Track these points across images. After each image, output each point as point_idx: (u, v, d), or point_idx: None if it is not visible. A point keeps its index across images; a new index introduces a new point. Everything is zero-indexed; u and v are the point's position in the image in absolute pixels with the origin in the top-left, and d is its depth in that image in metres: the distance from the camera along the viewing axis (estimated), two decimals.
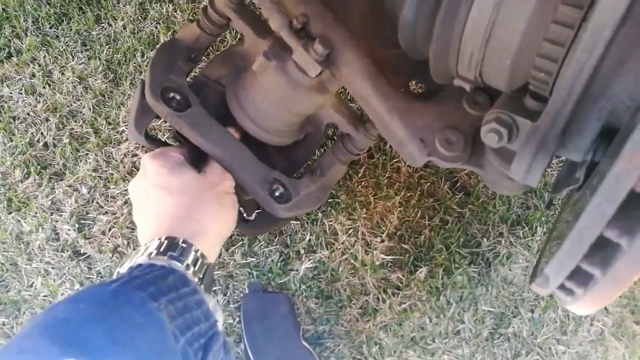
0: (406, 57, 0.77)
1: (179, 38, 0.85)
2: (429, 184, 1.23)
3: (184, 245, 0.65)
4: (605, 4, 0.49)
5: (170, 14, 1.45)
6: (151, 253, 0.64)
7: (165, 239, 0.65)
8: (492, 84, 0.70)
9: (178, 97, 0.80)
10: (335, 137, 1.19)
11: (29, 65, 1.39)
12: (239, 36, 1.30)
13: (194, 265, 0.65)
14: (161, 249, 0.64)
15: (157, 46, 0.85)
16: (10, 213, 1.21)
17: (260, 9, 0.76)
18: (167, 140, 0.94)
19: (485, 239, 1.19)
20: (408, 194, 1.22)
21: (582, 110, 0.60)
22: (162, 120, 0.88)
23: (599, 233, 0.45)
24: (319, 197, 0.86)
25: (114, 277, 0.61)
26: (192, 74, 0.91)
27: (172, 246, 0.65)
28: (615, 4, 0.48)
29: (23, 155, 1.27)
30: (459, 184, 1.25)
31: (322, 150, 1.20)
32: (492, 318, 1.13)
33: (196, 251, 0.66)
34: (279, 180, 0.81)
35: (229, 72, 0.84)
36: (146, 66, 1.38)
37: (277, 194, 0.81)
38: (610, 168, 0.45)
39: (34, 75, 1.37)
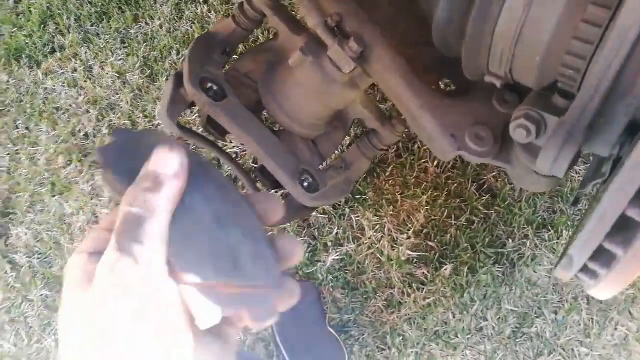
0: (437, 56, 0.79)
1: (215, 32, 0.89)
2: (456, 184, 1.25)
3: None
4: (632, 5, 0.51)
5: (205, 14, 1.50)
6: None
7: None
8: (521, 81, 0.72)
9: (215, 88, 0.83)
10: (359, 133, 1.22)
11: (71, 60, 1.45)
12: (272, 33, 1.34)
13: None
14: None
15: (194, 39, 0.88)
16: (54, 196, 1.27)
17: (295, 6, 0.79)
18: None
19: (510, 240, 1.20)
20: (435, 194, 1.24)
21: (609, 106, 0.62)
22: (195, 113, 0.91)
23: (621, 212, 0.47)
24: (343, 189, 0.88)
25: None
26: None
27: None
28: None
29: (65, 143, 1.33)
30: (486, 186, 1.27)
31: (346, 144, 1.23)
32: (515, 317, 1.14)
33: None
34: (308, 171, 0.84)
35: (262, 67, 0.87)
36: (181, 63, 1.43)
37: (305, 184, 0.84)
38: (632, 150, 0.48)
39: (75, 70, 1.43)
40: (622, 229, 0.50)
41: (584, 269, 0.56)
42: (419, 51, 0.86)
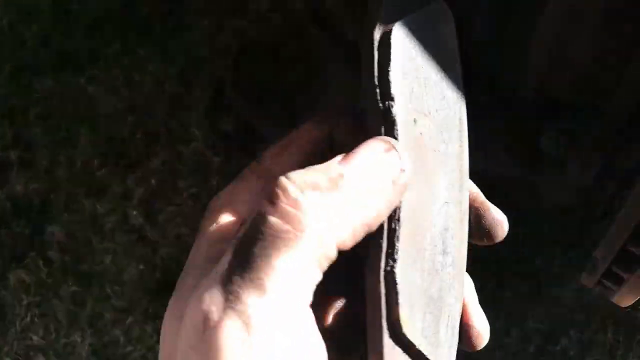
0: (471, 67, 0.81)
1: (257, 40, 0.91)
2: None
3: None
4: None
5: (243, 28, 1.54)
6: None
7: None
8: (555, 95, 0.73)
9: (255, 95, 0.85)
10: None
11: (113, 69, 1.51)
12: None
13: None
14: None
15: (237, 47, 0.90)
16: (88, 197, 1.31)
17: (337, 18, 0.81)
18: None
19: (538, 259, 1.20)
20: None
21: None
22: None
23: None
24: None
25: None
26: None
27: None
28: None
29: (103, 147, 1.38)
30: (513, 203, 1.26)
31: None
32: (540, 335, 1.13)
33: None
34: None
35: (300, 78, 0.89)
36: (219, 75, 1.47)
37: None
38: None
39: (117, 78, 1.49)
40: None
41: (608, 274, 0.56)
42: None
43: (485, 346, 1.16)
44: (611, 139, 0.63)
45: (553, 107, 0.78)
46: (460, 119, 0.34)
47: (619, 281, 0.54)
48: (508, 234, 1.16)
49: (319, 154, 0.32)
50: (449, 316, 0.32)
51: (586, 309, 1.14)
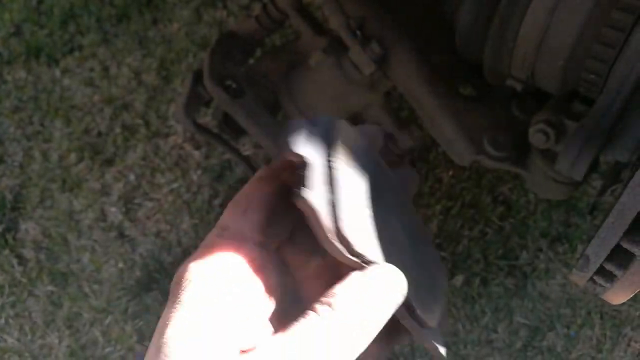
0: (458, 62, 0.79)
1: (236, 30, 0.89)
2: (470, 195, 1.24)
3: None
4: None
5: (223, 19, 1.51)
6: None
7: None
8: (543, 86, 0.71)
9: (234, 86, 0.83)
10: None
11: (89, 59, 1.46)
12: (293, 34, 1.34)
13: None
14: None
15: (217, 37, 0.89)
16: (63, 192, 1.27)
17: (318, 8, 0.80)
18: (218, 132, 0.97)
19: (524, 253, 1.19)
20: (449, 204, 1.23)
21: (630, 110, 0.61)
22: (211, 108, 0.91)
23: (639, 209, 0.46)
24: None
25: None
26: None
27: None
28: None
29: (78, 141, 1.33)
30: (500, 197, 1.25)
31: None
32: (527, 330, 1.12)
33: None
34: None
35: (282, 68, 0.87)
36: (198, 65, 1.44)
37: None
38: None
39: (92, 69, 1.44)
40: None
41: (600, 271, 0.54)
42: (440, 56, 0.86)
43: (472, 342, 1.16)
44: (602, 132, 0.61)
45: (541, 99, 0.76)
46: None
47: (611, 278, 0.52)
48: (495, 228, 1.14)
49: (278, 208, 0.37)
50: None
51: (572, 304, 1.14)
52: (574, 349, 1.10)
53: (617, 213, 0.45)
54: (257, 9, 0.88)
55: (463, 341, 1.11)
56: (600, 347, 1.10)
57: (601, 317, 1.12)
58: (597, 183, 1.22)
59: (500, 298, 1.14)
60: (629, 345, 1.11)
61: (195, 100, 0.84)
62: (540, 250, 1.19)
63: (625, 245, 0.48)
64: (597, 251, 0.49)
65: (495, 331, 1.12)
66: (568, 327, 1.12)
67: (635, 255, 0.48)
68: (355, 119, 0.88)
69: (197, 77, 0.84)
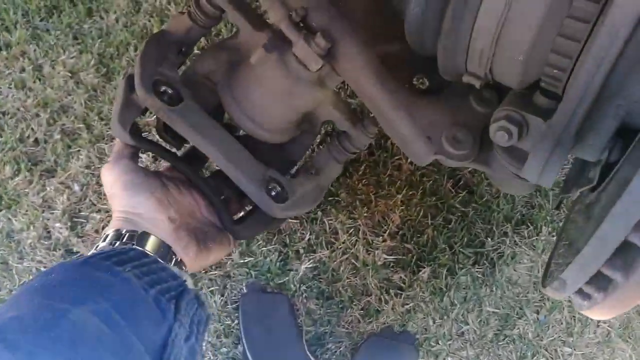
0: (410, 52, 0.74)
1: (169, 30, 0.81)
2: (431, 182, 1.21)
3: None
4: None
5: (164, 6, 1.42)
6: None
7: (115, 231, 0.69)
8: (502, 81, 0.67)
9: (170, 91, 0.76)
10: (330, 135, 1.16)
11: (19, 59, 1.35)
12: (233, 30, 1.27)
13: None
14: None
15: (146, 39, 0.81)
16: (0, 210, 1.18)
17: (256, 1, 0.73)
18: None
19: (489, 239, 1.17)
20: (410, 193, 1.19)
21: (598, 108, 0.58)
22: (150, 116, 0.84)
23: (623, 238, 0.43)
24: (315, 197, 0.83)
25: None
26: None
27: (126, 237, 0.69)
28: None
29: (13, 151, 1.23)
30: (462, 182, 1.22)
31: (315, 148, 1.17)
32: (497, 319, 1.11)
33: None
34: (276, 179, 0.78)
35: (222, 67, 0.80)
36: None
37: (273, 193, 0.78)
38: (636, 173, 0.43)
39: (23, 70, 1.34)
40: (622, 250, 0.46)
41: (578, 291, 0.51)
42: (390, 47, 0.80)
43: (443, 336, 1.14)
44: (569, 135, 0.57)
45: (502, 89, 0.72)
46: None
47: (589, 298, 0.49)
48: (458, 215, 1.11)
49: None
50: None
51: (540, 288, 1.13)
52: (545, 335, 1.10)
53: (598, 242, 0.42)
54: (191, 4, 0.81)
55: (434, 336, 1.09)
56: (570, 330, 1.11)
57: (569, 300, 1.11)
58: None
59: (468, 288, 1.12)
60: (598, 326, 1.11)
61: (131, 108, 0.77)
62: (506, 234, 1.17)
63: (606, 271, 0.45)
64: (575, 278, 0.46)
65: (466, 323, 1.10)
66: (537, 312, 1.12)
67: (615, 280, 0.45)
68: (307, 120, 0.82)
69: (130, 82, 0.76)
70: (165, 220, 0.71)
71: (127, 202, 0.71)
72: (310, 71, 0.71)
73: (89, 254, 0.64)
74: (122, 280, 0.58)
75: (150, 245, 0.68)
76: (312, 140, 0.87)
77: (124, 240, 0.67)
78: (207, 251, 0.74)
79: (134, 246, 0.66)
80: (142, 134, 0.80)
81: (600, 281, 0.47)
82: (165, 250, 0.69)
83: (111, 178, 0.73)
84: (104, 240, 0.68)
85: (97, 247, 0.67)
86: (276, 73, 0.73)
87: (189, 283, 0.68)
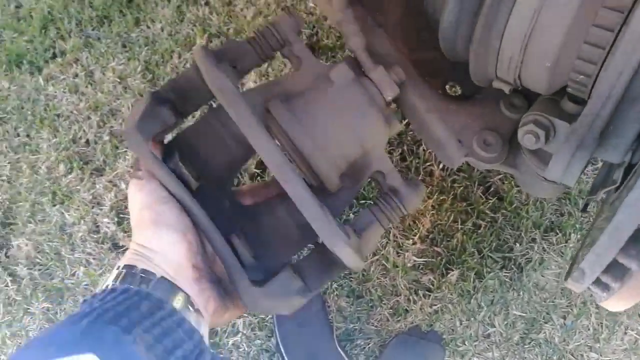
0: (443, 59, 0.78)
1: (223, 49, 0.74)
2: (462, 188, 1.24)
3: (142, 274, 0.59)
4: None
5: (206, 16, 1.49)
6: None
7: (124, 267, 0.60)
8: (530, 87, 0.70)
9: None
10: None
11: (72, 65, 1.44)
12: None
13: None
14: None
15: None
16: (54, 205, 1.25)
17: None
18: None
19: (517, 244, 1.19)
20: (441, 198, 1.22)
21: (621, 112, 0.60)
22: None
23: (636, 226, 0.46)
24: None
25: (88, 303, 0.56)
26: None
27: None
28: None
29: (66, 151, 1.31)
30: (492, 189, 1.25)
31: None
32: (524, 323, 1.13)
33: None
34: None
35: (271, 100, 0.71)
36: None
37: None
38: None
39: (76, 75, 1.42)
40: (636, 240, 0.48)
41: (596, 282, 0.54)
42: (425, 55, 0.84)
43: (470, 337, 1.17)
44: (593, 137, 0.60)
45: (531, 96, 0.75)
46: None
47: (608, 288, 0.52)
48: (487, 220, 1.13)
49: None
50: None
51: (567, 293, 1.14)
52: (571, 340, 1.11)
53: (613, 231, 0.45)
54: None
55: (461, 337, 1.11)
56: (597, 336, 1.11)
57: (597, 307, 1.13)
58: (590, 168, 1.22)
59: (495, 291, 1.15)
60: (625, 333, 1.12)
61: (154, 118, 0.68)
62: (534, 240, 1.19)
63: (621, 260, 0.48)
64: (593, 266, 0.49)
65: (493, 325, 1.12)
66: (564, 318, 1.13)
67: (631, 269, 0.48)
68: (356, 171, 0.73)
69: (156, 97, 0.69)
70: (190, 268, 0.61)
71: (153, 239, 0.61)
72: (385, 98, 0.71)
73: (98, 302, 0.55)
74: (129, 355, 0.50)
75: (169, 295, 0.58)
76: (353, 196, 0.77)
77: (136, 279, 0.58)
78: (224, 310, 0.65)
79: (148, 293, 0.57)
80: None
81: (616, 270, 0.50)
82: (185, 301, 0.59)
83: (141, 200, 0.63)
84: (116, 279, 0.58)
85: (106, 285, 0.58)
86: (351, 90, 0.70)
87: (206, 339, 0.60)
